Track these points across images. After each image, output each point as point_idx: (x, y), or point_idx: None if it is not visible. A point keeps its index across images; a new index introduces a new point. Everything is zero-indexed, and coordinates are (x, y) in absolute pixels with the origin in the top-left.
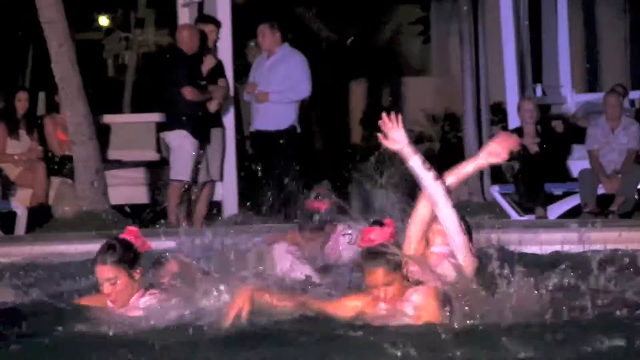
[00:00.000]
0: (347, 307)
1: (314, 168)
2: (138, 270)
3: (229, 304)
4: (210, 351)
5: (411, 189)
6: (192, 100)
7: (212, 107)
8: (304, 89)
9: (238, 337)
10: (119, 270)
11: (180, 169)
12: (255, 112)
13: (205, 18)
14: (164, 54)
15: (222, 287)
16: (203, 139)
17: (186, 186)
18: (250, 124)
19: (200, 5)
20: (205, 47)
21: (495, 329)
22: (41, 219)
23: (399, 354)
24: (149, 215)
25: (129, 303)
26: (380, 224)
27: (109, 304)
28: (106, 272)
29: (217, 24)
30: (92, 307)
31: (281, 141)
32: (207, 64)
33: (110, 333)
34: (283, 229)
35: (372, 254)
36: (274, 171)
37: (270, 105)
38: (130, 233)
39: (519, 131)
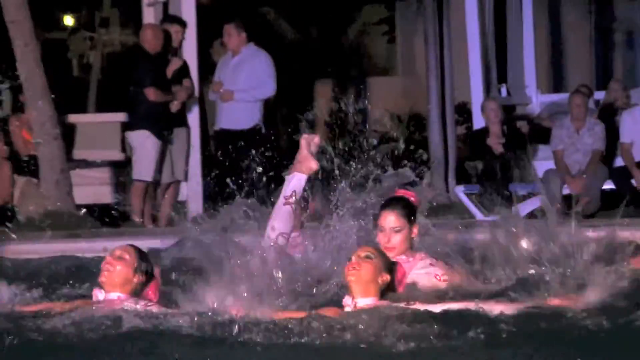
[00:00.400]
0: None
1: (278, 167)
2: (140, 277)
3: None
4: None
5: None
6: (155, 101)
7: (173, 107)
8: (269, 88)
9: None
10: (132, 258)
11: (143, 169)
12: (220, 111)
13: (170, 18)
14: (128, 53)
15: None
16: (166, 139)
17: (147, 186)
18: (215, 123)
19: (165, 5)
20: (171, 47)
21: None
22: (5, 218)
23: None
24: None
25: (114, 296)
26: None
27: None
28: (122, 251)
29: (183, 24)
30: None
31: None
32: (173, 65)
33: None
34: None
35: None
36: (239, 170)
37: (235, 105)
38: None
39: (484, 131)
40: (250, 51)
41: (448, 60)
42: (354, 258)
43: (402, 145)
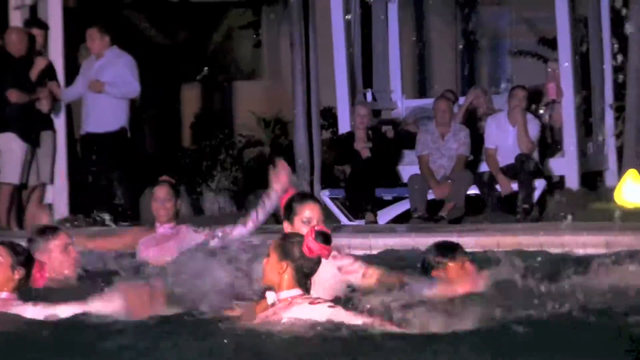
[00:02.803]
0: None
1: (144, 171)
2: (20, 271)
3: None
4: None
5: (237, 193)
6: (17, 102)
7: (44, 107)
8: (134, 88)
9: None
10: (6, 256)
11: (9, 172)
12: (85, 115)
13: (32, 22)
14: None
15: None
16: (32, 142)
17: (14, 189)
18: (81, 126)
19: (33, 8)
20: (34, 50)
21: None
22: None
23: None
24: None
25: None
26: None
27: None
28: None
29: (44, 27)
30: None
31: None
32: (38, 65)
33: None
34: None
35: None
36: (104, 174)
37: (100, 107)
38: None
39: (350, 136)
40: (114, 54)
41: (314, 65)
42: None
43: (267, 149)
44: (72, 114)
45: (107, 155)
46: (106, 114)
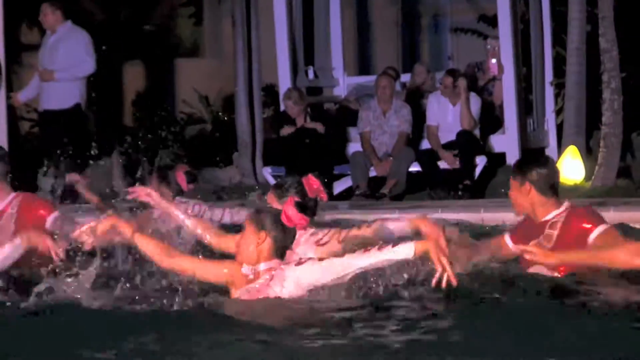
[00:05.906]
0: (218, 270)
1: (88, 149)
2: None
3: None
4: None
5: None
6: None
7: None
8: (89, 66)
9: None
10: None
11: None
12: (42, 93)
13: None
14: None
15: None
16: None
17: None
18: (38, 104)
19: None
20: None
21: None
22: None
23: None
24: None
25: None
26: None
27: None
28: None
29: None
30: None
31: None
32: None
33: None
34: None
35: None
36: (56, 150)
37: (55, 85)
38: None
39: (286, 115)
40: (67, 29)
41: (255, 43)
42: None
43: (209, 126)
44: (13, 88)
45: (62, 131)
46: (61, 91)
